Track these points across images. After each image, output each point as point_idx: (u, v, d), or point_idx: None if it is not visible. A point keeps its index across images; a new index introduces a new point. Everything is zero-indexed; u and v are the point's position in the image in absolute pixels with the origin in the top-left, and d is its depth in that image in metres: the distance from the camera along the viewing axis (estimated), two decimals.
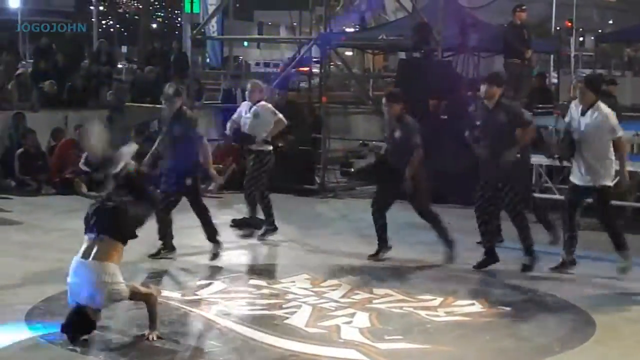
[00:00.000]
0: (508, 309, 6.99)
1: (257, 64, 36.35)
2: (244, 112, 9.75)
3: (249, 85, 9.90)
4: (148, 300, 6.04)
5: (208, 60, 24.73)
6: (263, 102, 9.44)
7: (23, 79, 14.16)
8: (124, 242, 6.13)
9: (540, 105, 13.90)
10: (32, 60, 16.50)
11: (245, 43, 43.53)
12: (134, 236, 6.21)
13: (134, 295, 6.03)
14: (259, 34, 38.86)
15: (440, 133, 12.06)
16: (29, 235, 9.44)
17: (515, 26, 13.14)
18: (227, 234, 9.92)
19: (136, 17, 46.42)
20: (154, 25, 42.10)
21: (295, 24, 19.03)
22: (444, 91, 12.55)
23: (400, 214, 11.01)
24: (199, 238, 9.61)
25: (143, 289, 6.19)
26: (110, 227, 6.05)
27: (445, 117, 12.62)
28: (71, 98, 14.70)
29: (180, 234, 8.56)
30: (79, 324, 5.87)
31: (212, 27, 20.01)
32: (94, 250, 5.95)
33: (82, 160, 12.63)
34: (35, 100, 14.09)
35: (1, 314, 6.52)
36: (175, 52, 17.78)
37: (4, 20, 30.90)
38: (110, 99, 14.85)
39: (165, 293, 7.23)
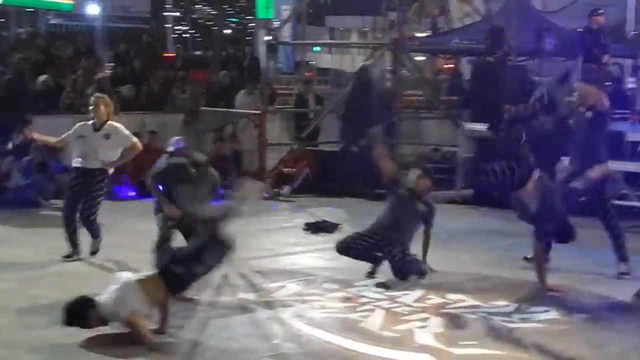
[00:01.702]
0: (584, 315, 6.91)
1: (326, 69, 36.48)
2: None
3: None
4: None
5: (280, 65, 25.01)
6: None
7: (102, 83, 14.47)
8: None
9: (617, 111, 13.67)
10: (110, 65, 16.86)
11: (317, 48, 43.69)
12: None
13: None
14: (330, 40, 38.90)
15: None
16: (107, 237, 9.65)
17: (592, 30, 12.97)
18: (299, 238, 10.05)
19: (209, 22, 47.10)
20: (227, 31, 42.60)
21: (366, 29, 19.10)
22: (518, 96, 12.44)
23: (479, 219, 11.03)
24: (272, 240, 9.75)
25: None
26: None
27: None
28: (148, 102, 15.00)
29: (253, 237, 8.68)
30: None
31: (286, 33, 20.23)
32: None
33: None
34: (114, 105, 14.38)
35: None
36: (248, 57, 17.98)
37: (83, 26, 31.67)
38: (185, 103, 15.10)
39: (239, 295, 7.37)
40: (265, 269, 8.24)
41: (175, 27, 41.01)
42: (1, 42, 16.93)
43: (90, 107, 8.50)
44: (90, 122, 8.48)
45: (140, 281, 6.04)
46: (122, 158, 8.67)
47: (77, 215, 8.50)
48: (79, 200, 8.47)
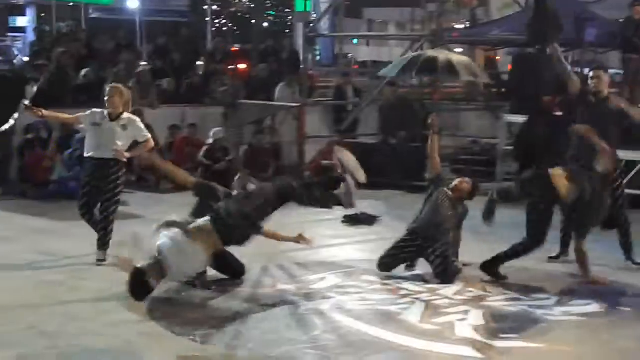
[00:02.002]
0: (627, 309, 6.86)
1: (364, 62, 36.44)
2: None
3: None
4: None
5: (318, 57, 25.04)
6: None
7: (143, 76, 14.62)
8: None
9: None
10: (150, 59, 16.97)
11: (355, 40, 43.64)
12: None
13: None
14: (368, 32, 38.82)
15: (554, 130, 11.88)
16: (148, 229, 9.74)
17: (633, 21, 12.82)
18: (339, 230, 10.07)
19: (247, 15, 47.23)
20: (265, 24, 42.70)
21: (405, 21, 19.05)
22: (557, 87, 12.33)
23: (518, 212, 10.92)
24: (312, 232, 9.76)
25: None
26: None
27: (560, 113, 12.40)
28: (188, 95, 15.10)
29: (297, 229, 8.68)
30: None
31: (324, 25, 20.24)
32: None
33: (202, 153, 13.01)
34: (154, 98, 14.55)
35: (126, 305, 6.78)
36: (287, 50, 18.01)
37: (123, 20, 31.93)
38: (225, 96, 15.17)
39: (280, 286, 7.42)
40: (305, 261, 8.27)
41: (214, 20, 41.19)
42: (44, 36, 17.09)
43: (106, 98, 8.23)
44: (106, 111, 8.19)
45: (194, 236, 6.48)
46: (134, 151, 8.38)
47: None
48: (96, 194, 8.19)
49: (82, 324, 6.21)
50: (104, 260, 8.11)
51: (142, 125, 8.33)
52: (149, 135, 8.36)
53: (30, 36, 25.41)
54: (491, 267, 7.74)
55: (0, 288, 7.20)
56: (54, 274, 7.70)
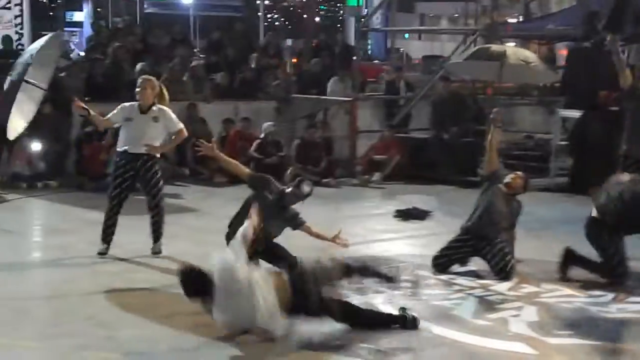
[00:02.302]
0: None
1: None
2: None
3: None
4: None
5: (370, 52, 25.01)
6: None
7: (197, 71, 14.76)
8: None
9: None
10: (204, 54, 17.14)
11: (406, 35, 43.43)
12: None
13: None
14: (420, 26, 38.57)
15: (609, 125, 11.72)
16: (203, 222, 9.88)
17: None
18: (390, 225, 10.06)
19: (300, 10, 47.30)
20: (317, 19, 42.73)
21: (457, 15, 18.93)
22: (614, 82, 12.16)
23: (573, 208, 10.83)
24: (363, 227, 9.80)
25: None
26: None
27: (616, 108, 12.23)
28: (241, 90, 15.21)
29: (349, 223, 8.74)
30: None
31: (376, 20, 20.21)
32: None
33: (253, 147, 13.11)
34: (208, 92, 14.68)
35: (179, 297, 6.85)
36: (340, 44, 18.02)
37: (177, 15, 32.27)
38: (278, 90, 15.25)
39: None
40: (357, 255, 8.24)
41: (267, 15, 41.34)
42: (100, 31, 17.31)
43: (137, 90, 8.10)
44: (136, 104, 8.11)
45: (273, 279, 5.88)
46: (168, 144, 8.38)
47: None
48: (128, 189, 8.16)
49: (138, 315, 6.32)
50: (159, 252, 8.20)
51: (173, 116, 8.18)
52: (181, 125, 8.23)
53: (87, 31, 25.78)
54: (569, 261, 7.60)
55: (58, 279, 7.35)
56: (110, 266, 7.83)
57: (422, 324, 6.19)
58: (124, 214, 8.28)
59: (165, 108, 8.14)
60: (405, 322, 6.06)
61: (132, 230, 8.76)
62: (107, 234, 8.20)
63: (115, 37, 16.09)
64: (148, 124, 8.03)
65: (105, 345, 5.66)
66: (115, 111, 8.20)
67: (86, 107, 8.22)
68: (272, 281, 5.76)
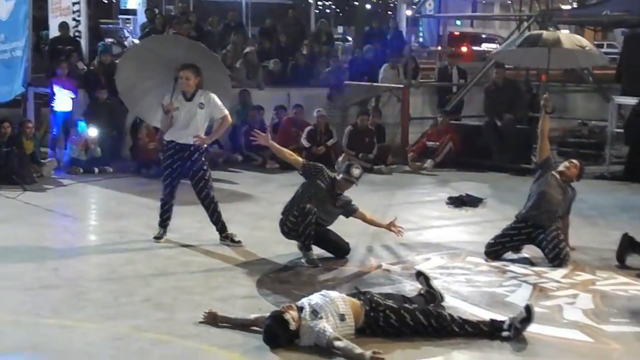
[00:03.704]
0: None
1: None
2: None
3: None
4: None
5: (421, 39, 24.86)
6: None
7: (250, 57, 14.84)
8: None
9: None
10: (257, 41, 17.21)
11: (458, 22, 43.09)
12: None
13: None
14: (472, 12, 38.26)
15: None
16: (258, 207, 9.96)
17: None
18: (443, 212, 10.04)
19: None
20: (368, 6, 42.56)
21: (509, 2, 18.73)
22: None
23: (628, 196, 10.72)
24: (416, 213, 9.80)
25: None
26: None
27: None
28: (293, 76, 15.26)
29: (401, 210, 8.75)
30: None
31: (429, 6, 20.09)
32: None
33: (304, 135, 13.16)
34: (261, 79, 14.75)
35: (234, 280, 6.96)
36: (392, 30, 17.97)
37: (230, 2, 32.35)
38: (330, 77, 15.28)
39: (385, 266, 7.46)
40: (409, 242, 8.28)
41: (318, 2, 41.29)
42: (154, 18, 17.48)
43: (180, 80, 7.91)
44: (180, 93, 7.97)
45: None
46: (215, 133, 8.25)
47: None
48: (179, 177, 8.12)
49: (193, 297, 6.41)
50: (227, 238, 8.16)
51: (218, 102, 8.02)
52: (226, 112, 8.09)
53: (141, 18, 26.01)
54: (627, 248, 7.53)
55: (116, 262, 7.48)
56: (167, 249, 7.94)
57: (476, 310, 6.20)
58: (180, 199, 8.38)
59: (210, 94, 8.01)
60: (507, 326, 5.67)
61: (189, 216, 8.88)
62: (164, 219, 8.30)
63: (169, 24, 16.25)
64: (194, 111, 7.98)
65: (162, 326, 5.75)
66: (165, 101, 8.00)
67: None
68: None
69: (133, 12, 36.68)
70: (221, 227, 8.21)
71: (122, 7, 38.40)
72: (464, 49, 17.61)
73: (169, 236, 8.28)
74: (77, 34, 14.86)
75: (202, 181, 8.09)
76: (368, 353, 5.11)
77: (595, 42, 17.09)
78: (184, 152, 8.03)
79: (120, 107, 12.97)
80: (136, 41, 20.72)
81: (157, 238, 8.23)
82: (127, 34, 28.83)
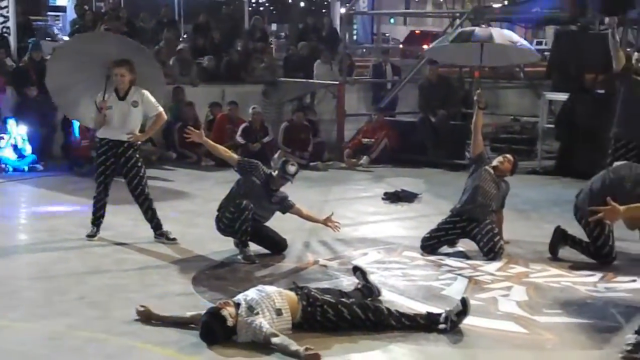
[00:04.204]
0: None
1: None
2: None
3: None
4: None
5: (355, 37, 24.97)
6: None
7: (184, 54, 14.70)
8: None
9: None
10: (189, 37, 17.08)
11: (392, 20, 43.41)
12: None
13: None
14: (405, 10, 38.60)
15: (597, 108, 11.79)
16: (193, 204, 9.87)
17: None
18: (379, 207, 10.09)
19: None
20: (302, 4, 42.57)
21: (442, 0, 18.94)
22: (600, 65, 12.21)
23: (560, 190, 10.91)
24: (352, 209, 9.82)
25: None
26: None
27: (602, 91, 12.30)
28: (228, 73, 15.17)
29: (338, 205, 8.75)
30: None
31: (363, 4, 20.18)
32: None
33: (239, 132, 13.08)
34: (194, 75, 14.63)
35: (170, 278, 6.88)
36: (327, 27, 18.00)
37: None
38: (264, 74, 15.23)
39: (322, 262, 7.45)
40: (346, 237, 8.29)
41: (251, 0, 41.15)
42: (84, 14, 17.18)
43: (114, 73, 7.78)
44: (112, 91, 7.87)
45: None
46: (149, 130, 8.20)
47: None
48: (112, 174, 8.03)
49: (128, 295, 6.31)
50: (162, 235, 8.05)
51: (152, 99, 7.94)
52: (161, 109, 8.02)
53: (70, 14, 25.57)
54: (559, 241, 7.65)
55: (48, 260, 7.33)
56: (100, 248, 7.82)
57: (413, 303, 6.23)
58: (113, 197, 8.26)
59: (143, 91, 7.91)
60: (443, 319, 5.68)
61: (122, 214, 8.76)
62: (97, 217, 8.16)
63: (100, 20, 16.00)
64: (128, 110, 7.86)
65: (97, 325, 5.65)
66: (97, 102, 7.89)
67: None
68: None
69: (62, 8, 36.04)
70: (156, 225, 8.11)
71: (51, 4, 37.70)
72: (425, 47, 17.72)
73: (102, 234, 8.14)
74: (5, 30, 14.53)
75: (137, 178, 7.97)
76: (302, 349, 5.09)
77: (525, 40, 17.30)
78: (118, 148, 7.91)
79: (50, 104, 12.72)
80: (66, 38, 20.36)
81: (90, 236, 8.08)
82: (56, 31, 28.30)
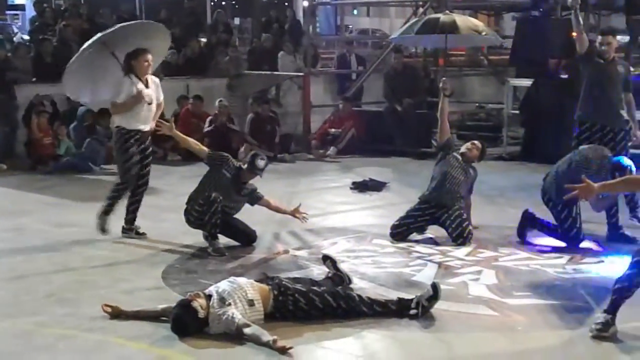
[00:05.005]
0: None
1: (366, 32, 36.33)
2: None
3: None
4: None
5: (318, 30, 24.97)
6: None
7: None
8: None
9: None
10: None
11: (355, 12, 43.41)
12: None
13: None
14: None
15: (560, 92, 11.89)
16: (161, 199, 9.80)
17: None
18: (348, 197, 10.10)
19: None
20: None
21: None
22: (563, 50, 12.32)
23: (526, 175, 10.99)
24: (321, 199, 9.83)
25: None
26: None
27: (566, 76, 12.41)
28: (192, 67, 15.06)
29: (306, 196, 8.75)
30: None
31: None
32: None
33: (206, 125, 13.01)
34: (159, 70, 14.48)
35: (140, 272, 6.84)
36: (290, 19, 17.96)
37: None
38: (229, 67, 15.15)
39: (292, 252, 7.46)
40: (316, 227, 8.29)
41: None
42: (44, 12, 16.98)
43: (144, 62, 7.73)
44: (138, 81, 7.81)
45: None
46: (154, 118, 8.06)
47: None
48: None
49: (98, 292, 6.25)
50: (132, 230, 8.00)
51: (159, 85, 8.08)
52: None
53: (30, 13, 25.29)
54: (528, 224, 7.72)
55: (15, 259, 7.26)
56: (67, 245, 7.74)
57: (384, 290, 6.24)
58: (79, 194, 8.19)
59: (154, 77, 7.96)
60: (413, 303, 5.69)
61: (89, 210, 8.66)
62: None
63: (60, 17, 15.83)
64: (152, 97, 7.81)
65: (67, 321, 5.60)
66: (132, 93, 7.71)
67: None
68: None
69: (21, 7, 35.65)
70: (131, 219, 8.05)
71: (10, 3, 37.27)
72: None
73: (69, 230, 8.07)
74: None
75: (149, 167, 8.04)
76: (274, 339, 5.08)
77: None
78: (145, 138, 7.89)
79: (10, 102, 12.61)
80: (25, 37, 20.16)
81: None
82: (15, 30, 27.98)
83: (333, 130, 13.58)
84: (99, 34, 8.10)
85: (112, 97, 7.81)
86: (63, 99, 12.52)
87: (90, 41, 8.09)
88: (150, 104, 7.80)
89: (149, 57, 7.75)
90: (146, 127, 7.88)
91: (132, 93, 7.68)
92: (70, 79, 8.20)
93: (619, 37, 9.73)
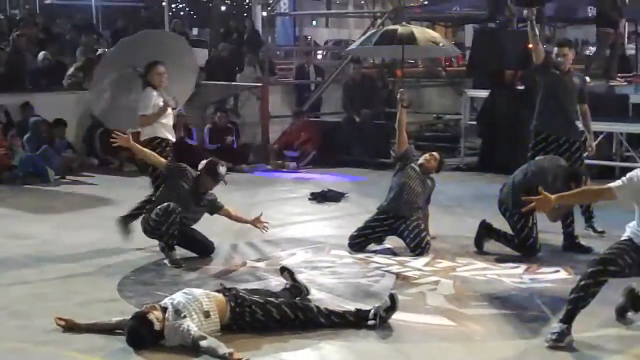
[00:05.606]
0: None
1: (326, 43, 36.41)
2: None
3: None
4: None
5: (277, 40, 24.98)
6: None
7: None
8: None
9: (619, 75, 13.69)
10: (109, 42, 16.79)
11: (314, 22, 43.52)
12: None
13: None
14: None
15: (517, 103, 11.99)
16: (117, 211, 9.64)
17: None
18: (306, 207, 10.08)
19: None
20: (223, 7, 42.31)
21: (363, 1, 19.05)
22: (520, 61, 12.44)
23: (483, 185, 11.06)
24: (279, 210, 9.79)
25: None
26: None
27: (522, 87, 12.53)
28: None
29: (265, 207, 8.70)
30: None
31: (284, 5, 20.18)
32: None
33: None
34: None
35: (95, 284, 6.74)
36: (248, 29, 17.93)
37: (79, 5, 31.54)
38: None
39: (250, 263, 7.40)
40: (274, 238, 8.25)
41: (171, 5, 40.76)
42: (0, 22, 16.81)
43: (165, 74, 7.99)
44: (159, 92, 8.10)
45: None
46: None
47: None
48: None
49: (51, 304, 6.14)
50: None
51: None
52: None
53: None
54: (485, 235, 7.75)
55: None
56: (20, 257, 7.61)
57: (342, 301, 6.22)
58: (33, 205, 8.07)
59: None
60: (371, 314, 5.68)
61: (43, 222, 8.57)
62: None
63: (15, 27, 15.64)
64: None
65: (19, 334, 5.50)
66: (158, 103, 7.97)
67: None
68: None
69: None
70: (132, 215, 8.07)
71: None
72: None
73: (21, 243, 7.93)
74: None
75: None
76: (229, 352, 5.03)
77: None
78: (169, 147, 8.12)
79: None
80: None
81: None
82: None
83: (291, 153, 13.46)
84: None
85: (138, 110, 8.02)
86: (17, 109, 12.35)
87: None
88: (175, 108, 8.16)
89: (161, 68, 7.94)
90: (173, 137, 8.21)
91: (158, 104, 7.96)
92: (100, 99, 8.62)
93: (591, 49, 9.87)
